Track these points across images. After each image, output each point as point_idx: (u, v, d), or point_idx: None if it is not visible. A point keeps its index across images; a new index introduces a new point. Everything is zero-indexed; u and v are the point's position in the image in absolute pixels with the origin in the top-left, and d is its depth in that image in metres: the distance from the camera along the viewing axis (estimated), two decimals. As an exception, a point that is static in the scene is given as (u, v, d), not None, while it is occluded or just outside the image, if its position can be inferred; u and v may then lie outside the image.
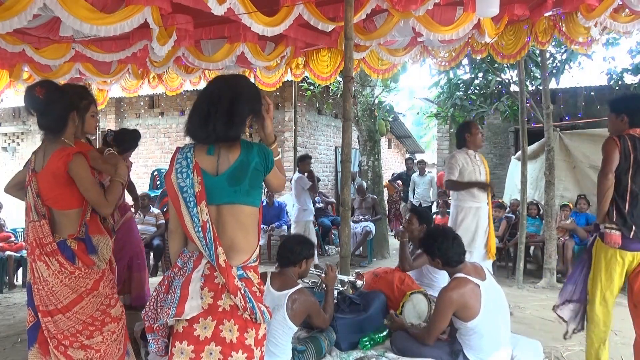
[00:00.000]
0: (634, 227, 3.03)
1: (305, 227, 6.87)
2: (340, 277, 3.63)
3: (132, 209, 4.56)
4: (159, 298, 1.99)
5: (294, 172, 7.41)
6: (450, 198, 8.73)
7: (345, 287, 3.71)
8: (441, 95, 9.70)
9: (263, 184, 2.06)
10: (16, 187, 2.68)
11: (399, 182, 10.36)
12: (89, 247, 2.53)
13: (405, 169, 10.80)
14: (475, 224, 4.59)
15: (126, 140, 4.18)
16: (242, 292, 1.90)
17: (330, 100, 10.95)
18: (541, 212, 7.19)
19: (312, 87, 9.42)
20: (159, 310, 1.97)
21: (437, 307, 3.00)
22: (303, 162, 6.96)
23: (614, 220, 3.07)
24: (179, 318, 1.86)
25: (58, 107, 2.50)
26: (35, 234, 2.48)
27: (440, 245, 3.09)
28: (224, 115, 1.91)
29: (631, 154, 3.04)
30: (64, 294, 2.44)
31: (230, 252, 1.93)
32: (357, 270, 4.07)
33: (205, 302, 1.88)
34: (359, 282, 3.70)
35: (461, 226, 4.52)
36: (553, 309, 3.55)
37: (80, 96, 2.73)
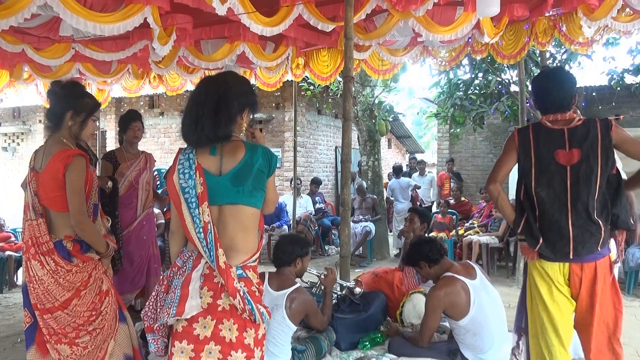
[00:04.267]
0: (541, 239, 2.39)
1: None
2: (339, 281, 3.62)
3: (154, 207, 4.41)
4: (158, 298, 1.99)
5: (294, 172, 7.43)
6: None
7: (343, 292, 3.69)
8: (441, 95, 9.69)
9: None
10: (25, 186, 2.70)
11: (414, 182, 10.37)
12: (83, 247, 2.54)
13: (409, 169, 10.84)
14: None
15: (120, 126, 4.21)
16: (242, 294, 1.89)
17: (330, 100, 10.95)
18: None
19: (312, 87, 9.42)
20: (158, 310, 1.97)
21: (427, 307, 3.04)
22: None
23: (518, 231, 2.49)
24: (179, 317, 1.86)
25: (57, 103, 2.56)
26: (31, 233, 2.48)
27: (416, 249, 3.21)
28: (211, 115, 1.91)
29: (531, 149, 2.41)
30: (59, 293, 2.45)
31: (230, 251, 1.93)
32: (357, 277, 4.04)
33: (205, 302, 1.88)
34: (358, 290, 3.66)
35: None
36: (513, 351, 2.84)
37: (83, 98, 2.64)
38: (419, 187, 9.46)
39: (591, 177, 2.34)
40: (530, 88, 2.66)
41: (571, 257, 2.37)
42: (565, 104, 2.45)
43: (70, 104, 2.54)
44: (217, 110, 1.92)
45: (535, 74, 2.90)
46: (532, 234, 2.42)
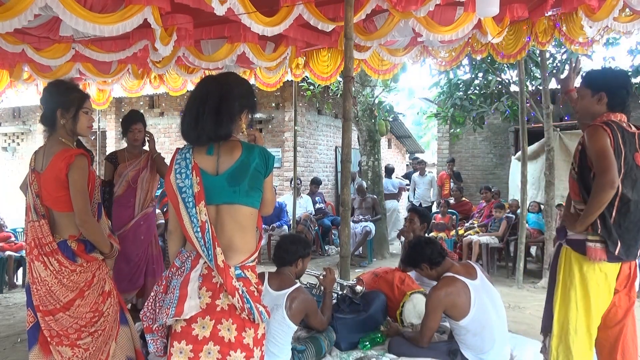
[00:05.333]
0: (619, 243, 2.36)
1: None
2: (339, 281, 3.62)
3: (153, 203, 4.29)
4: (157, 298, 2.00)
5: (294, 172, 7.44)
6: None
7: (344, 292, 3.69)
8: (441, 95, 9.70)
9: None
10: (25, 187, 2.70)
11: (407, 182, 10.42)
12: (88, 247, 2.54)
13: (412, 169, 10.92)
14: None
15: (121, 127, 4.28)
16: (240, 292, 1.90)
17: (330, 100, 10.95)
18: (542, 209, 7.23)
19: (312, 87, 9.42)
20: (157, 310, 1.97)
21: (427, 307, 3.04)
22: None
23: (599, 231, 2.39)
24: (178, 318, 1.86)
25: (46, 105, 2.57)
26: (34, 234, 2.48)
27: (418, 250, 3.18)
28: (212, 114, 1.92)
29: (622, 150, 2.37)
30: (63, 294, 2.45)
31: (228, 251, 1.93)
32: (357, 276, 4.03)
33: (204, 302, 1.88)
34: (359, 288, 3.65)
35: None
36: (541, 352, 2.79)
37: (68, 94, 2.58)
38: (408, 187, 10.10)
39: None
40: (596, 79, 2.57)
41: (637, 258, 2.45)
42: (628, 106, 2.54)
43: (57, 102, 2.53)
44: (219, 110, 1.93)
45: (598, 69, 2.91)
46: (611, 237, 2.38)
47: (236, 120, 2.00)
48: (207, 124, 1.92)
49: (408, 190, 10.18)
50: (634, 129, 2.48)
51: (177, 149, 2.03)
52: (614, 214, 2.39)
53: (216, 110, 1.93)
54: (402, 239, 4.59)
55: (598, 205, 2.36)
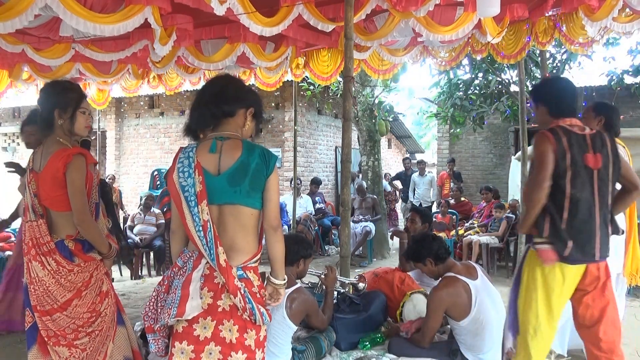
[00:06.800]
0: (569, 243, 2.38)
1: None
2: (341, 279, 3.62)
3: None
4: (159, 298, 2.00)
5: (294, 172, 7.44)
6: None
7: (346, 289, 3.70)
8: (441, 95, 9.71)
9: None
10: (23, 188, 2.69)
11: (397, 182, 10.41)
12: (85, 246, 2.54)
13: (403, 168, 10.86)
14: None
15: None
16: (242, 292, 1.90)
17: (330, 100, 10.95)
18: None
19: (312, 87, 9.42)
20: (159, 310, 1.97)
21: (428, 308, 3.05)
22: None
23: (545, 234, 2.44)
24: (180, 318, 1.87)
25: (43, 105, 2.56)
26: (31, 234, 2.48)
27: (424, 245, 3.18)
28: (215, 95, 2.01)
29: (567, 152, 2.41)
30: (60, 294, 2.44)
31: (231, 252, 1.93)
32: (358, 272, 4.05)
33: (205, 302, 1.89)
34: (361, 285, 3.65)
35: None
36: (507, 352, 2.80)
37: (65, 94, 2.56)
38: (400, 188, 10.20)
39: (609, 182, 2.50)
40: (534, 92, 2.74)
41: (597, 258, 2.45)
42: (577, 110, 2.60)
43: (54, 102, 2.52)
44: (223, 93, 2.02)
45: (539, 80, 3.05)
46: (560, 238, 2.41)
47: (242, 105, 2.04)
48: (210, 104, 2.00)
49: (400, 191, 10.18)
50: (587, 130, 2.51)
51: (181, 147, 2.04)
52: (565, 215, 2.42)
53: (222, 89, 2.03)
54: (395, 238, 4.58)
55: (530, 206, 2.44)
